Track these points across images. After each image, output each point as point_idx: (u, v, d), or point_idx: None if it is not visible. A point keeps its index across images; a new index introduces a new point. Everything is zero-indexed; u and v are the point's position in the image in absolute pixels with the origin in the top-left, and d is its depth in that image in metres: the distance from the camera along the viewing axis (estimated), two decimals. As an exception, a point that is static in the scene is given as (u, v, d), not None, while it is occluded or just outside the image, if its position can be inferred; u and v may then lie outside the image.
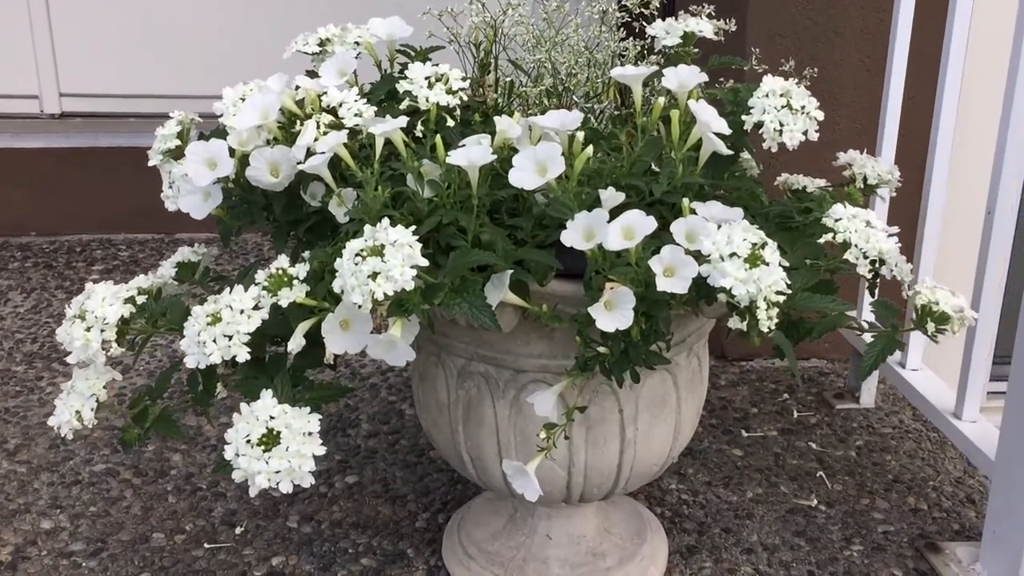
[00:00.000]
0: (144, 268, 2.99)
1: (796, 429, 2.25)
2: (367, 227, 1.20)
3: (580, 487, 1.52)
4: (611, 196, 1.23)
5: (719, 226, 1.20)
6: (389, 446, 2.14)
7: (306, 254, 1.35)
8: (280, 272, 1.27)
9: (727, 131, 1.24)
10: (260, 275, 1.28)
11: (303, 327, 1.25)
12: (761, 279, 1.15)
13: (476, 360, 1.47)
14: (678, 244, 1.20)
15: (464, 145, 1.31)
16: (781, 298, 1.17)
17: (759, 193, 1.44)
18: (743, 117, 1.33)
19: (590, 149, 1.20)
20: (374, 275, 1.15)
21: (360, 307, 1.15)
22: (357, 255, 1.17)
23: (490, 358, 1.45)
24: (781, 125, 1.30)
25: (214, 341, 1.22)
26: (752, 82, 1.47)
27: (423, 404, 1.59)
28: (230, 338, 1.22)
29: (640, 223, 1.15)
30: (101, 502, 1.93)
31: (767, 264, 1.16)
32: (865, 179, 1.65)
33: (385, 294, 1.14)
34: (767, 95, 1.31)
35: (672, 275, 1.17)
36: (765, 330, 1.18)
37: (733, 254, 1.16)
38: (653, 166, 1.37)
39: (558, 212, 1.25)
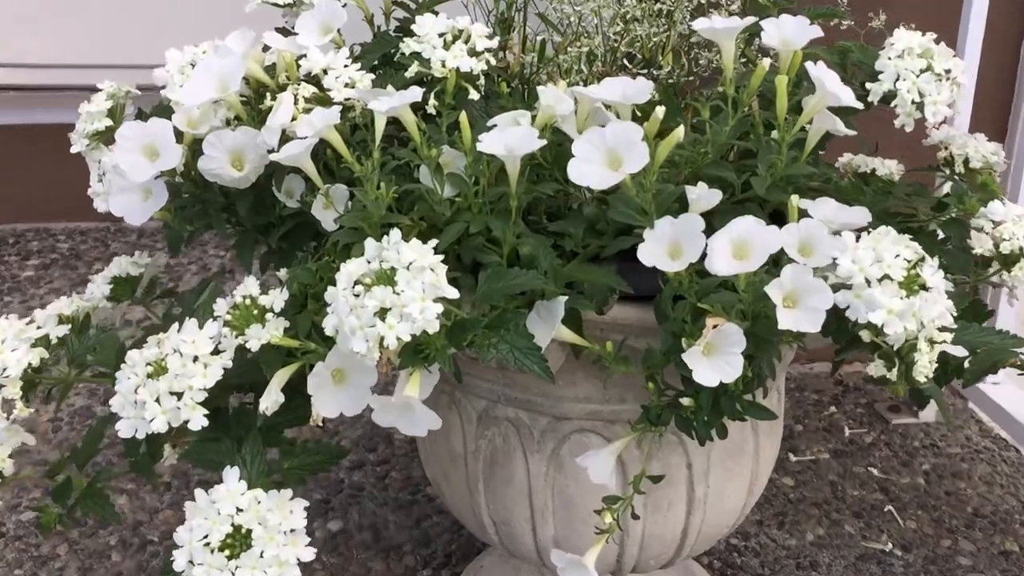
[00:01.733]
0: (88, 262, 2.62)
1: (850, 450, 1.94)
2: (369, 241, 0.86)
3: (634, 558, 1.20)
4: (704, 195, 0.90)
5: (844, 235, 0.87)
6: (378, 480, 1.81)
7: (282, 272, 1.01)
8: (247, 302, 0.92)
9: (856, 103, 0.91)
10: (221, 305, 0.94)
11: (280, 378, 0.91)
12: (923, 311, 0.82)
13: (503, 403, 1.13)
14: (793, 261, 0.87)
15: (496, 126, 0.97)
16: (948, 337, 0.84)
17: (859, 184, 1.12)
18: (868, 85, 0.99)
19: (680, 131, 0.86)
20: (383, 312, 0.81)
21: (363, 357, 0.81)
22: (358, 283, 0.83)
23: (522, 401, 1.12)
24: (922, 96, 0.97)
25: (157, 401, 0.88)
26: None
27: (430, 453, 1.25)
28: (180, 396, 0.88)
29: (760, 237, 0.82)
30: (29, 562, 1.58)
31: (928, 290, 0.84)
32: (967, 161, 1.33)
33: (399, 339, 0.80)
34: (901, 55, 0.98)
35: (795, 306, 0.84)
36: (923, 379, 0.85)
37: (885, 276, 0.83)
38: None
39: (626, 216, 0.91)
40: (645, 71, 1.18)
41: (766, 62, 0.94)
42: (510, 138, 0.89)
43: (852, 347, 0.92)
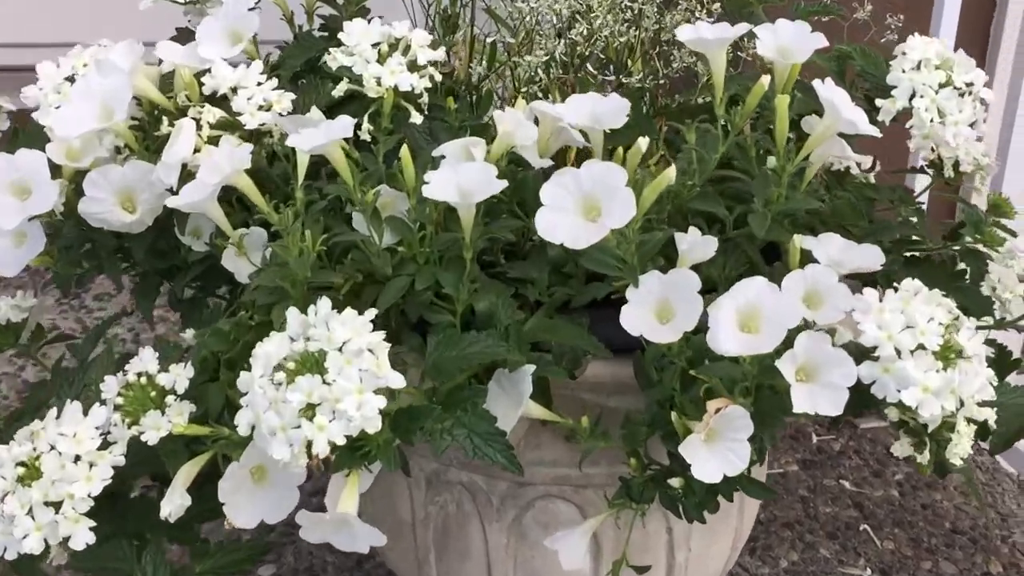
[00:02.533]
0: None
1: (819, 460, 1.83)
2: (292, 313, 0.70)
3: (606, 631, 1.06)
4: (697, 243, 0.75)
5: (866, 292, 0.73)
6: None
7: (188, 334, 0.84)
8: (143, 381, 0.75)
9: (871, 131, 0.76)
10: (110, 385, 0.76)
11: (185, 476, 0.74)
12: (962, 387, 0.69)
13: (456, 466, 0.98)
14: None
15: (443, 157, 0.80)
16: (991, 413, 0.71)
17: (859, 205, 0.98)
18: (879, 102, 0.85)
19: (672, 173, 0.70)
20: (310, 409, 0.65)
21: (286, 464, 0.65)
22: (277, 370, 0.66)
23: (477, 464, 0.96)
24: (942, 115, 0.82)
25: (30, 513, 0.70)
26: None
27: (374, 519, 1.09)
28: (59, 507, 0.71)
29: (775, 307, 0.67)
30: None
31: (968, 358, 0.70)
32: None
33: (332, 443, 0.64)
34: (918, 67, 0.83)
35: (811, 379, 0.70)
36: (958, 462, 0.72)
37: (920, 347, 0.69)
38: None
39: (602, 267, 0.76)
40: (612, 77, 1.02)
41: (765, 80, 0.79)
42: (464, 179, 0.73)
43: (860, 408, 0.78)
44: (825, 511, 1.72)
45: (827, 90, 0.76)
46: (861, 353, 0.72)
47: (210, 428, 0.75)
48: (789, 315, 0.66)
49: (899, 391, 0.68)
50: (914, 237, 0.96)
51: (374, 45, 0.84)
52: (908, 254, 0.96)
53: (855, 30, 1.14)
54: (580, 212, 0.70)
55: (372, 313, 0.69)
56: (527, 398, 0.75)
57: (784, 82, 0.82)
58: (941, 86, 0.83)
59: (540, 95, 0.98)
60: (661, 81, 1.02)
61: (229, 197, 0.88)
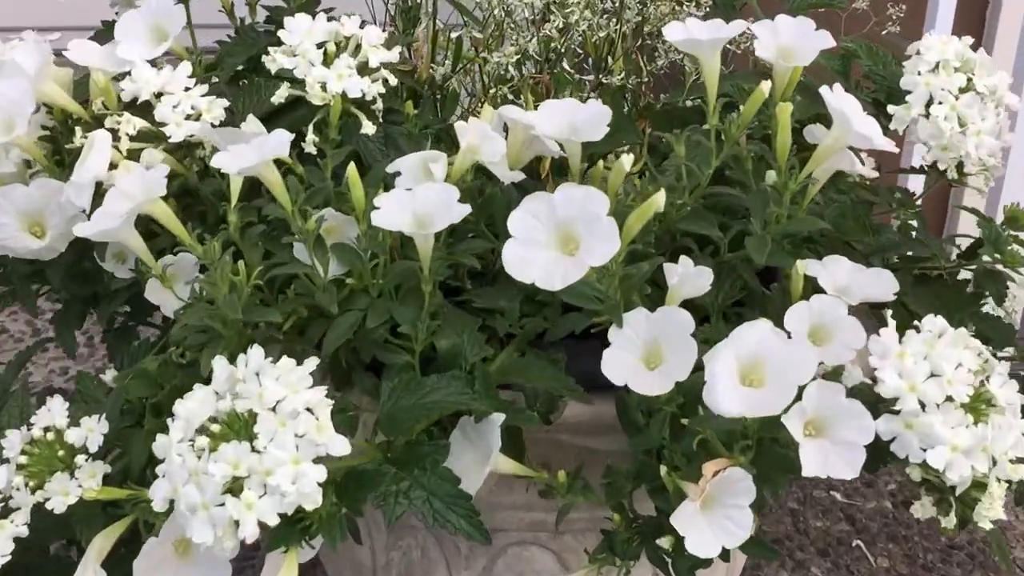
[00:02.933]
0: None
1: (808, 470, 1.74)
2: (218, 362, 0.60)
3: None
4: (689, 276, 0.65)
5: (883, 333, 0.64)
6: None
7: (108, 376, 0.74)
8: (50, 438, 0.65)
9: (887, 145, 0.66)
10: (11, 441, 0.66)
11: (100, 547, 0.64)
12: (995, 443, 0.60)
13: (420, 509, 0.88)
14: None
15: (399, 174, 0.70)
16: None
17: (861, 216, 0.88)
18: (891, 108, 0.75)
19: (661, 199, 0.60)
20: (237, 483, 0.55)
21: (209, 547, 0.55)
22: (200, 433, 0.56)
23: (444, 508, 0.87)
24: (962, 124, 0.73)
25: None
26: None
27: (332, 563, 1.00)
28: (-52, 590, 0.60)
29: (781, 357, 0.57)
30: None
31: (1000, 409, 0.61)
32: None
33: (263, 523, 0.54)
34: (935, 68, 0.73)
35: (820, 434, 0.60)
36: (987, 526, 0.63)
37: (948, 399, 0.59)
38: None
39: (580, 300, 0.66)
40: (590, 76, 0.92)
41: (766, 86, 0.69)
42: (421, 203, 0.63)
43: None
44: (816, 525, 1.64)
45: (836, 98, 0.66)
46: (876, 399, 0.63)
47: (129, 491, 0.64)
48: (801, 368, 0.56)
49: (924, 450, 0.59)
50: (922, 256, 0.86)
51: (319, 45, 0.73)
52: (917, 272, 0.87)
53: (853, 21, 1.04)
54: (555, 245, 0.60)
55: (312, 363, 0.59)
56: (496, 451, 0.66)
57: (784, 87, 0.72)
58: (961, 91, 0.73)
59: (511, 96, 0.88)
60: (645, 79, 0.92)
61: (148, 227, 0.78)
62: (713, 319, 0.76)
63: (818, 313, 0.69)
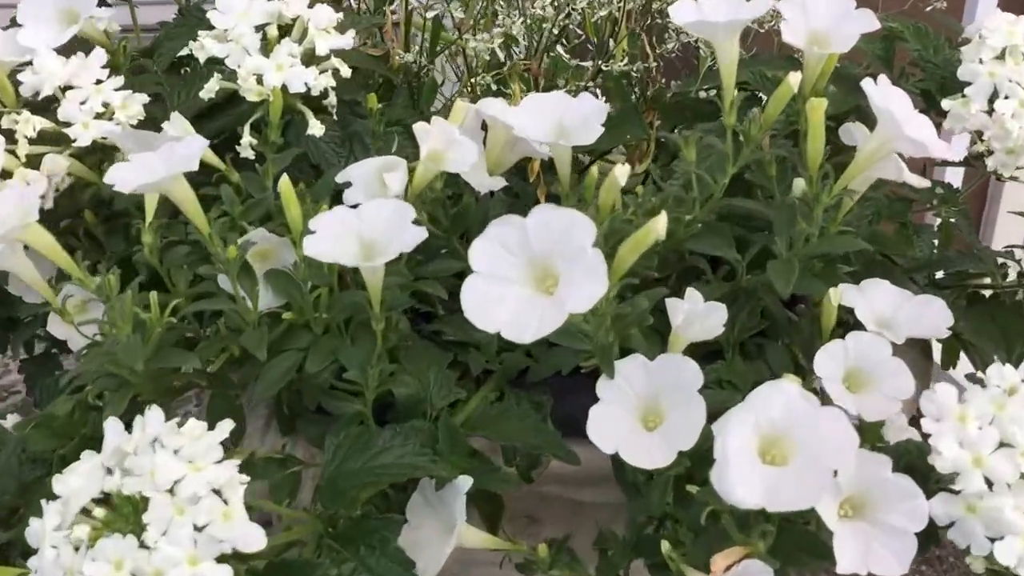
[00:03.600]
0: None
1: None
2: (110, 425, 0.48)
3: None
4: (697, 314, 0.53)
5: (937, 389, 0.51)
6: None
7: (8, 421, 0.63)
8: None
9: (945, 153, 0.54)
10: None
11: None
12: (1081, 532, 0.47)
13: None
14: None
15: (349, 184, 0.58)
16: (1114, 564, 0.49)
17: (902, 218, 0.75)
18: (946, 103, 0.62)
19: (661, 225, 0.48)
20: (119, 586, 0.43)
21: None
22: (81, 518, 0.45)
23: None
24: (1032, 122, 0.60)
25: None
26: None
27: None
28: None
29: (812, 432, 0.45)
30: None
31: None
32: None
33: (152, 639, 0.43)
34: (1001, 55, 0.60)
35: (862, 516, 0.48)
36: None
37: (1023, 476, 0.47)
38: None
39: (567, 338, 0.54)
40: (589, 62, 0.79)
41: (794, 79, 0.56)
42: (368, 227, 0.51)
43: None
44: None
45: (882, 95, 0.53)
46: (928, 466, 0.51)
47: (19, 570, 0.53)
48: (840, 452, 0.44)
49: (991, 540, 0.47)
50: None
51: (258, 28, 0.61)
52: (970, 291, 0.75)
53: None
54: (529, 282, 0.48)
55: (225, 429, 0.47)
56: (461, 524, 0.54)
57: (816, 78, 0.60)
58: (1033, 81, 0.60)
59: (495, 88, 0.76)
60: (653, 64, 0.80)
61: (75, 229, 0.67)
62: (728, 355, 0.64)
63: (855, 355, 0.56)
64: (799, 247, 0.60)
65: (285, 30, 0.63)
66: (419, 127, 0.57)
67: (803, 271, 0.60)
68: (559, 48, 0.77)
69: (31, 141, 0.59)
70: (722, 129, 0.69)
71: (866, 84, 0.54)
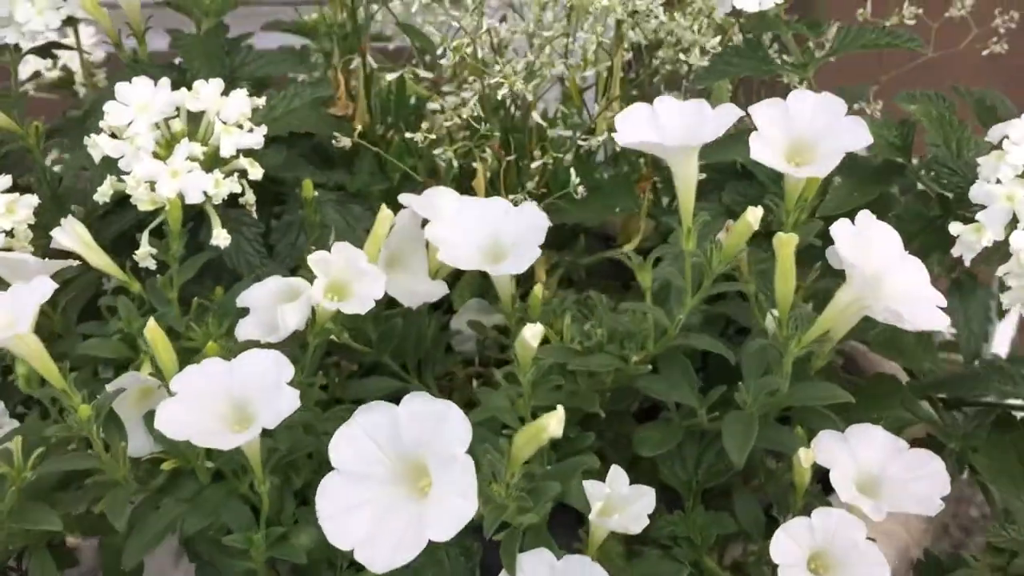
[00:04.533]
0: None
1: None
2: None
3: None
4: (617, 500, 0.45)
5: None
6: None
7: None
8: None
9: (938, 325, 0.44)
10: None
11: None
12: None
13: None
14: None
15: (248, 313, 0.52)
16: None
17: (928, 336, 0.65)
18: (954, 227, 0.52)
19: (556, 422, 0.39)
20: None
21: None
22: None
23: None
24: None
25: None
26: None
27: None
28: None
29: None
30: None
31: None
32: None
33: None
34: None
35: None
36: None
37: None
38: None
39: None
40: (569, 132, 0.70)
41: (753, 216, 0.47)
42: (240, 386, 0.44)
43: None
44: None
45: (850, 246, 0.43)
46: None
47: None
48: None
49: None
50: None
51: (157, 126, 0.54)
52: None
53: (950, 31, 0.80)
54: (401, 480, 0.40)
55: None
56: None
57: (796, 200, 0.50)
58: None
59: (458, 163, 0.67)
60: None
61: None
62: (689, 503, 0.55)
63: (822, 536, 0.48)
64: (766, 398, 0.51)
65: (194, 122, 0.56)
66: (315, 257, 0.49)
67: (763, 424, 0.51)
68: (535, 116, 0.68)
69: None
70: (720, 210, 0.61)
71: (835, 230, 0.45)
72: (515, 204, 0.56)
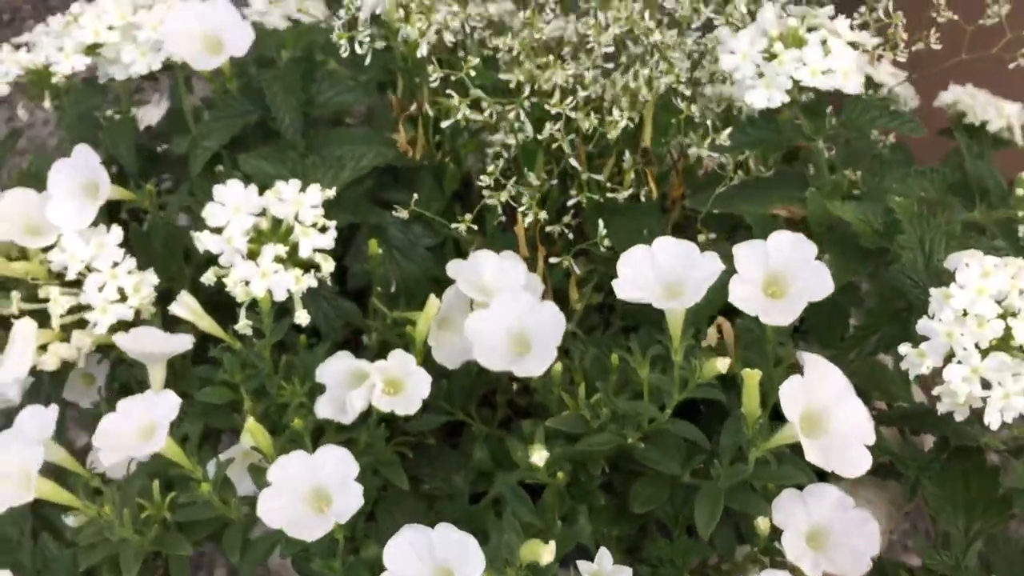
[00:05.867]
0: None
1: None
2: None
3: None
4: (602, 579, 0.59)
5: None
6: None
7: None
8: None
9: (853, 472, 0.55)
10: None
11: None
12: None
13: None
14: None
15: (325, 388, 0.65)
16: None
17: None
18: (902, 348, 0.61)
19: (548, 553, 0.53)
20: None
21: None
22: None
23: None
24: (986, 384, 0.59)
25: None
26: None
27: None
28: None
29: None
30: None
31: None
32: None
33: None
34: (964, 313, 0.59)
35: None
36: None
37: None
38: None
39: None
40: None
41: (722, 364, 0.57)
42: (317, 479, 0.58)
43: None
44: None
45: (791, 404, 0.54)
46: None
47: None
48: None
49: None
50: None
51: (247, 232, 0.66)
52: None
53: (985, 36, 0.85)
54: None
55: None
56: None
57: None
58: (994, 346, 0.58)
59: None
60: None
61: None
62: (675, 533, 0.69)
63: (770, 587, 0.61)
64: (733, 477, 0.63)
65: (276, 225, 0.67)
66: (376, 366, 0.62)
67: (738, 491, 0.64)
68: (572, 161, 0.77)
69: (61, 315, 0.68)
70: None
71: (785, 387, 0.55)
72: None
